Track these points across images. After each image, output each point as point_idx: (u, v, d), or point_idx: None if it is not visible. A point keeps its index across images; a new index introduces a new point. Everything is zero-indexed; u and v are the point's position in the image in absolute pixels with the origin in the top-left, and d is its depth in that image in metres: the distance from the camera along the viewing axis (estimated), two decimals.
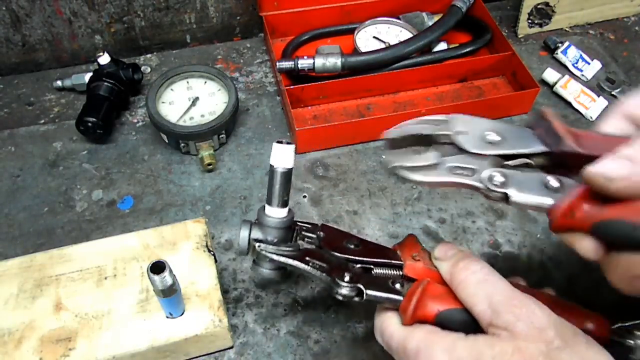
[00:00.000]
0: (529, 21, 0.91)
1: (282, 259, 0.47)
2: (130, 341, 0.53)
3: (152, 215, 0.69)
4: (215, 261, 0.59)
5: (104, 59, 0.76)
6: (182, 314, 0.55)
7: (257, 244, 0.48)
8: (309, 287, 0.63)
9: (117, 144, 0.77)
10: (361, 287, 0.44)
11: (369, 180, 0.73)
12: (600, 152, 0.37)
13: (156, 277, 0.48)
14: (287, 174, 0.47)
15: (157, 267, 0.49)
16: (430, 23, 0.87)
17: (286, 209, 0.49)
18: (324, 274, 0.46)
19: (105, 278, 0.57)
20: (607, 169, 0.36)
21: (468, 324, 0.41)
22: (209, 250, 0.59)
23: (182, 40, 0.88)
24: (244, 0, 0.86)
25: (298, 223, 0.52)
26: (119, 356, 0.52)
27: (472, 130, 0.42)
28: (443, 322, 0.42)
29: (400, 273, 0.47)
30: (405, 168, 0.41)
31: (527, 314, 0.38)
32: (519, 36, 0.92)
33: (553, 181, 0.39)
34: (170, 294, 0.50)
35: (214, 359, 0.58)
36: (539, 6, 0.90)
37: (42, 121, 0.79)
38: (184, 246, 0.59)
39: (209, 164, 0.72)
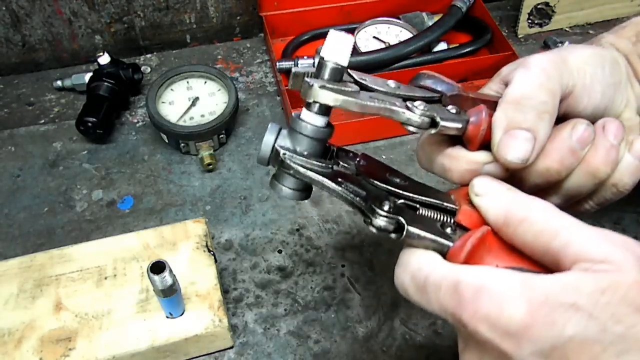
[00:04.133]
0: (529, 21, 0.91)
1: (310, 174, 0.39)
2: (130, 341, 0.53)
3: (152, 215, 0.69)
4: (215, 261, 0.59)
5: (104, 59, 0.76)
6: (182, 314, 0.55)
7: (282, 151, 0.40)
8: (309, 287, 0.63)
9: (117, 144, 0.77)
10: (402, 220, 0.37)
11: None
12: (481, 97, 0.42)
13: (156, 277, 0.48)
14: (338, 72, 0.38)
15: (157, 267, 0.49)
16: (430, 23, 0.87)
17: (326, 118, 0.41)
18: (358, 199, 0.39)
19: (105, 278, 0.57)
20: (518, 152, 0.39)
21: None
22: (209, 250, 0.59)
23: (182, 40, 0.88)
24: (244, 0, 0.86)
25: (334, 145, 0.44)
26: (119, 356, 0.52)
27: (370, 78, 0.42)
28: None
29: (452, 219, 0.39)
30: (330, 88, 0.37)
31: (636, 245, 0.31)
32: (519, 36, 0.92)
33: (452, 109, 0.41)
34: (170, 294, 0.50)
35: (214, 359, 0.58)
36: (539, 6, 0.89)
37: (42, 121, 0.79)
38: (184, 246, 0.59)
39: (209, 164, 0.72)
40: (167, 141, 0.75)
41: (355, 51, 0.84)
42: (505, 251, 0.36)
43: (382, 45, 0.85)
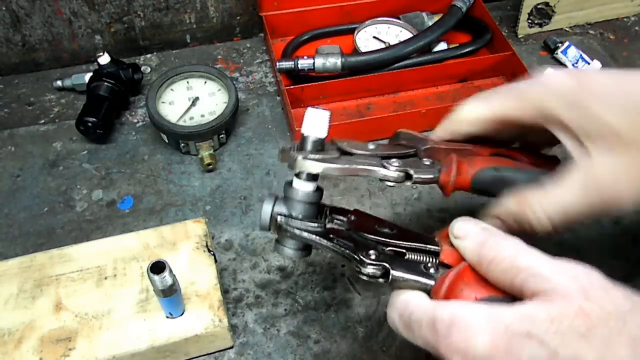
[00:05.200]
0: (529, 21, 0.91)
1: (305, 235, 0.45)
2: (130, 341, 0.53)
3: (152, 215, 0.69)
4: (215, 261, 0.59)
5: (104, 59, 0.76)
6: (182, 314, 0.55)
7: (279, 217, 0.45)
8: (309, 287, 0.63)
9: (117, 144, 0.77)
10: (387, 266, 0.42)
11: (369, 180, 0.73)
12: (451, 147, 0.49)
13: (156, 277, 0.48)
14: (318, 143, 0.44)
15: (157, 267, 0.49)
16: (430, 23, 0.87)
17: (314, 183, 0.46)
18: (347, 251, 0.43)
19: (105, 278, 0.57)
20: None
21: None
22: (209, 250, 0.59)
23: (182, 40, 0.88)
24: (244, 0, 0.86)
25: (327, 205, 0.49)
26: (119, 356, 0.52)
27: (352, 143, 0.47)
28: None
29: (436, 259, 0.43)
30: (312, 159, 0.43)
31: (584, 274, 0.34)
32: (519, 36, 0.92)
33: (426, 161, 0.48)
34: (170, 294, 0.50)
35: (214, 359, 0.58)
36: (539, 6, 0.90)
37: (42, 121, 0.79)
38: (184, 246, 0.59)
39: (209, 164, 0.72)
40: (167, 141, 0.75)
41: (355, 51, 0.84)
42: (482, 283, 0.39)
43: (382, 45, 0.85)
